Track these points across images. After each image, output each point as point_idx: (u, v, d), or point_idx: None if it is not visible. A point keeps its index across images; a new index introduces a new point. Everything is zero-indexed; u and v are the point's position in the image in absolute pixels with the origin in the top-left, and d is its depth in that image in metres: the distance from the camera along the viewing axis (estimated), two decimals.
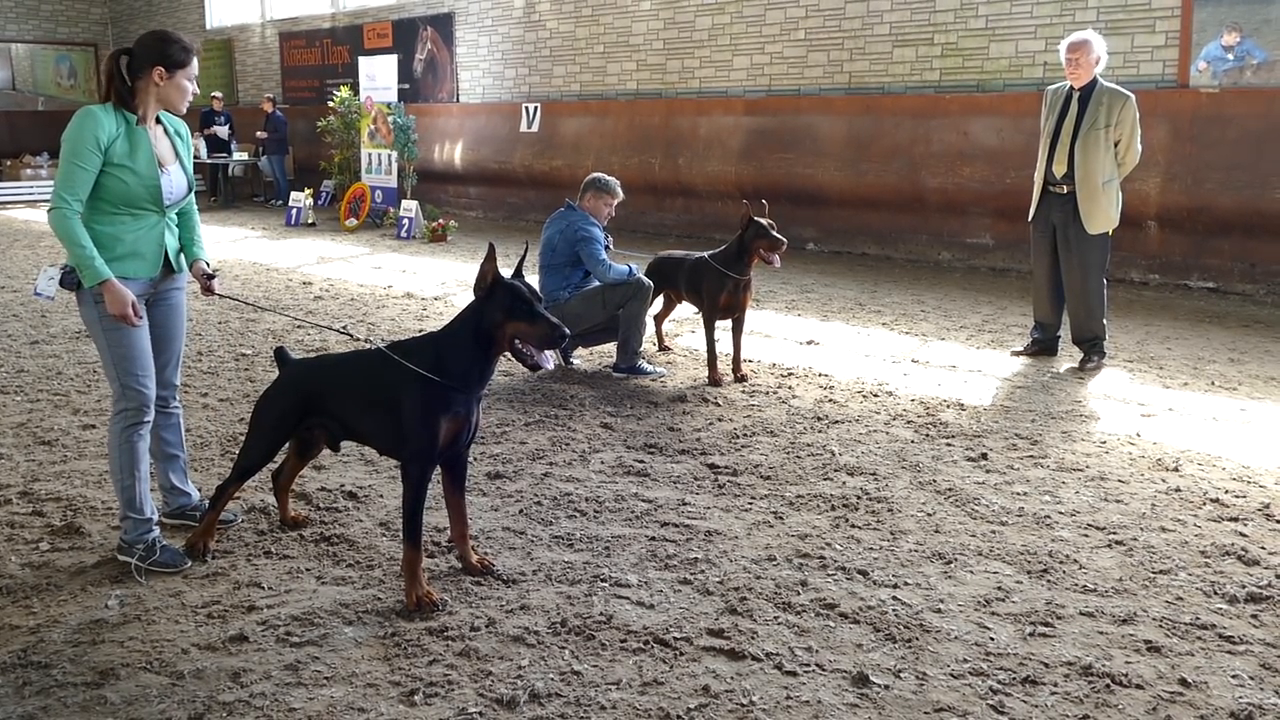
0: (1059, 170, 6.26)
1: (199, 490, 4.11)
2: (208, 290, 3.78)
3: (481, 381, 3.32)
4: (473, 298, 3.31)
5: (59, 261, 3.55)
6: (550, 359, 3.31)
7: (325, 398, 3.53)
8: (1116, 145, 6.14)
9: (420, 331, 7.27)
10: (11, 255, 11.77)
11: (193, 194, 3.77)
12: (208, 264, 3.81)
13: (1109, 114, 6.09)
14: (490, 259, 3.23)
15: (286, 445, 3.78)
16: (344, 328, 7.56)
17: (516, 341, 3.26)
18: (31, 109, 24.35)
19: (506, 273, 3.33)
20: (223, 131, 17.87)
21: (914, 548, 3.76)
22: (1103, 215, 6.20)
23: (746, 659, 2.97)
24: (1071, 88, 6.24)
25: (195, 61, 3.56)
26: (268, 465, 3.77)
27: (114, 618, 3.23)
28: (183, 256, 3.75)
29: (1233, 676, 2.89)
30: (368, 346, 3.57)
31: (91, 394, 5.80)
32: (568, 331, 3.29)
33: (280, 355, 3.78)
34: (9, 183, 19.56)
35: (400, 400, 3.27)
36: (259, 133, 17.40)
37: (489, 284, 3.24)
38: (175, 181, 3.61)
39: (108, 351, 3.52)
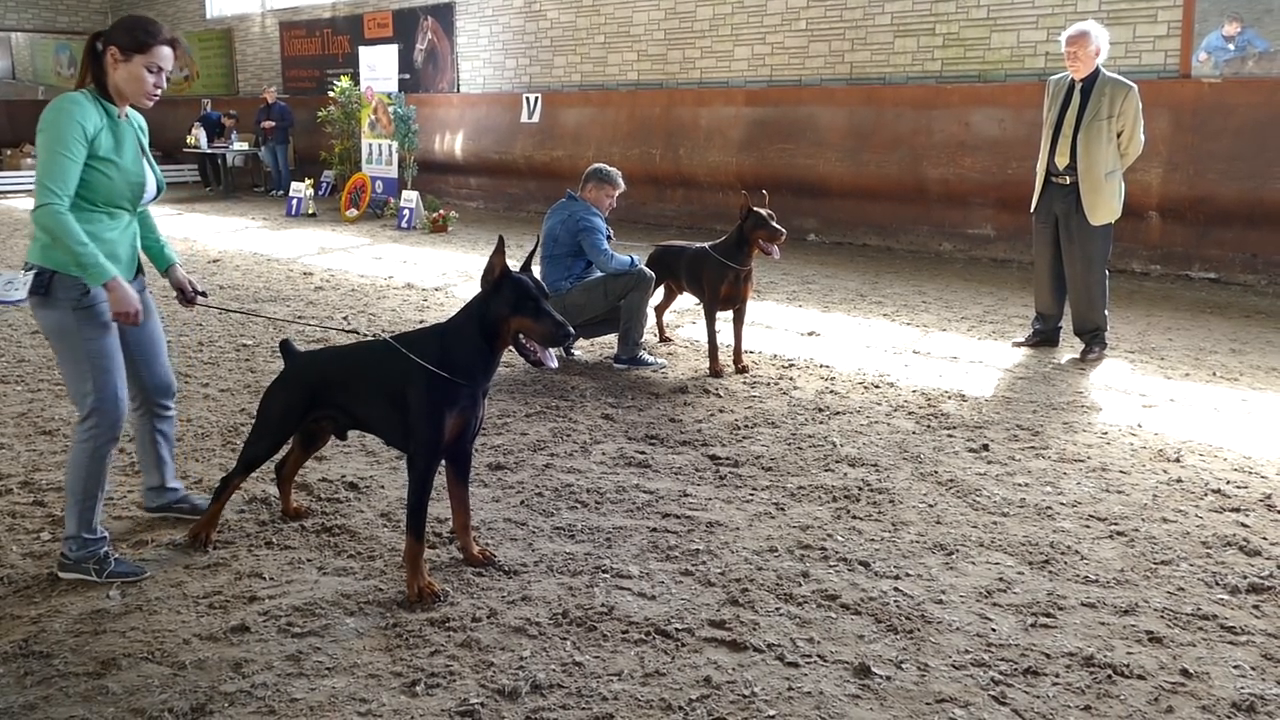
0: (1061, 161, 6.24)
1: (201, 480, 4.11)
2: (189, 302, 3.67)
3: (487, 375, 3.31)
4: (477, 289, 3.30)
5: (21, 264, 3.25)
6: (553, 358, 3.30)
7: (332, 390, 3.52)
8: (1119, 136, 6.12)
9: (422, 322, 7.27)
10: (12, 245, 11.76)
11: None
12: (190, 279, 3.69)
13: (1111, 104, 6.07)
14: (499, 252, 3.22)
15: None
16: (345, 320, 7.54)
17: (521, 337, 3.25)
18: (31, 98, 24.29)
19: (514, 266, 3.32)
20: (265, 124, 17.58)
21: (915, 539, 3.76)
22: (1105, 206, 6.18)
23: (748, 650, 2.97)
24: (1074, 78, 6.21)
25: (164, 51, 3.24)
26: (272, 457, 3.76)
27: (115, 608, 3.23)
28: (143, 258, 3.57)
29: (1234, 667, 2.89)
30: (371, 338, 3.56)
31: None
32: (572, 331, 3.28)
33: (286, 348, 3.77)
34: (9, 172, 19.54)
35: (406, 393, 3.25)
36: (265, 122, 17.34)
37: (496, 277, 3.23)
38: (149, 180, 3.42)
39: (85, 363, 3.25)
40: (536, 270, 6.41)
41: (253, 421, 3.80)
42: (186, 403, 5.43)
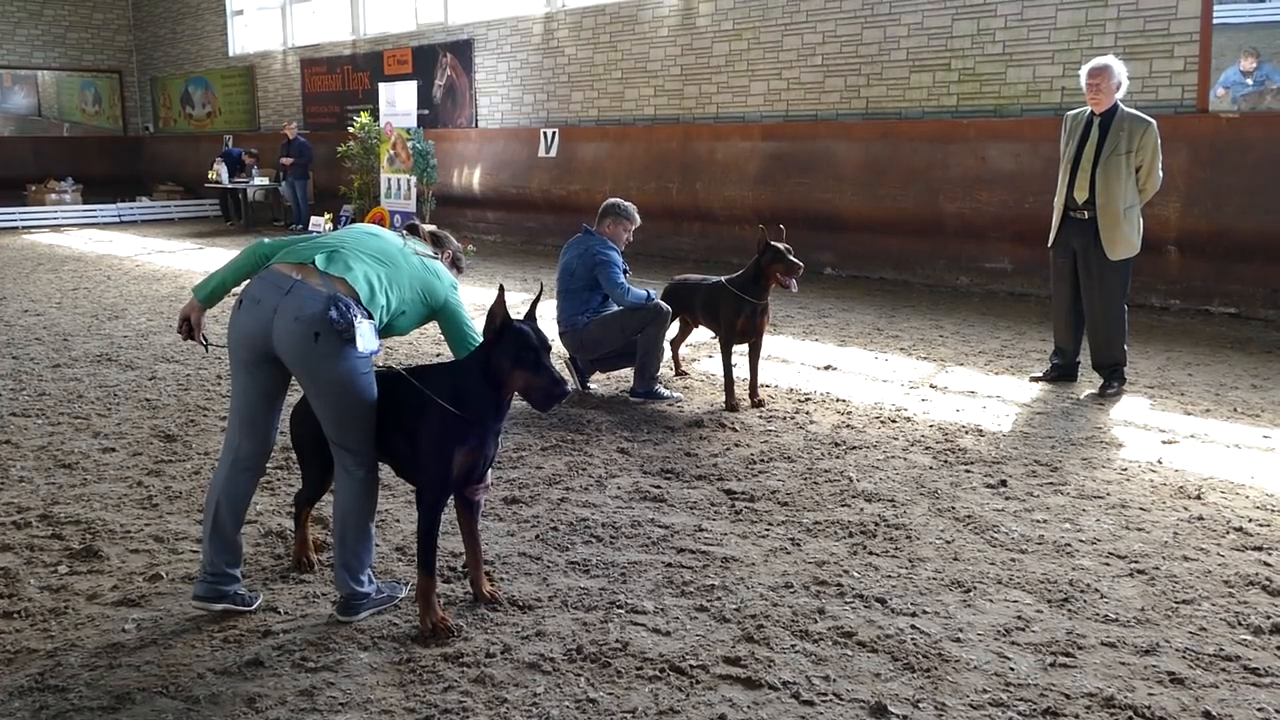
0: (1080, 196, 6.22)
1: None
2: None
3: (498, 416, 3.31)
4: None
5: (356, 311, 3.19)
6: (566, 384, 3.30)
7: None
8: (1138, 171, 6.12)
9: (439, 356, 7.30)
10: (35, 279, 11.90)
11: None
12: None
13: (1130, 139, 6.06)
14: (500, 302, 3.19)
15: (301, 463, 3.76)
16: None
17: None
18: (57, 134, 24.72)
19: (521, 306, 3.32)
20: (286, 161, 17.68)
21: (932, 575, 3.73)
22: (1124, 241, 6.16)
23: (763, 688, 2.95)
24: (1092, 113, 6.21)
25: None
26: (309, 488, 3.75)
27: (131, 642, 3.24)
28: None
29: (1258, 709, 2.84)
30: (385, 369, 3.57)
31: (111, 417, 5.84)
32: (569, 390, 3.28)
33: None
34: (34, 207, 19.80)
35: (417, 427, 3.27)
36: (284, 158, 17.56)
37: (498, 328, 3.23)
38: None
39: (363, 407, 3.28)
40: (551, 306, 6.44)
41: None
42: (205, 436, 5.46)
